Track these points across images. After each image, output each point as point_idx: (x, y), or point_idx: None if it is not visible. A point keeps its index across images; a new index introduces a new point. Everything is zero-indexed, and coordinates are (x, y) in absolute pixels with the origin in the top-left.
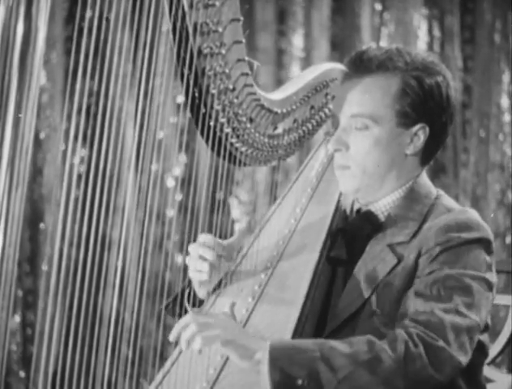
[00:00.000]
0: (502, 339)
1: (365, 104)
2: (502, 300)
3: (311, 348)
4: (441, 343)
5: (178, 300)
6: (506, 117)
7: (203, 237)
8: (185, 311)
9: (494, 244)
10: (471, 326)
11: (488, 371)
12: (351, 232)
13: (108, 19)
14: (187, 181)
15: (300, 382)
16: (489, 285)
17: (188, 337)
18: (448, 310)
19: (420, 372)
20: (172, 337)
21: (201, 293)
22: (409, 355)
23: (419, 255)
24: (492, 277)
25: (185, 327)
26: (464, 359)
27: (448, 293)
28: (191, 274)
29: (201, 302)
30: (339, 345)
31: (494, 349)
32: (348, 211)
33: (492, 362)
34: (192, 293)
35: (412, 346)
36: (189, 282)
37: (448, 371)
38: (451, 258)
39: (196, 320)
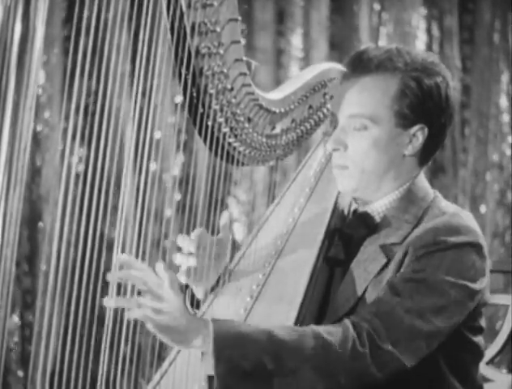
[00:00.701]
0: (501, 339)
1: (364, 104)
2: (502, 299)
3: (258, 339)
4: (388, 346)
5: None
6: (505, 117)
7: (195, 232)
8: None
9: (487, 248)
10: (431, 331)
11: (487, 371)
12: (347, 233)
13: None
14: (185, 181)
15: (245, 372)
16: (470, 293)
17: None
18: (411, 311)
19: (361, 370)
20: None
21: (199, 294)
22: (354, 353)
23: (405, 254)
24: (481, 283)
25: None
26: (410, 362)
27: (419, 295)
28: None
29: (198, 302)
30: (287, 336)
31: (493, 349)
32: (346, 211)
33: (491, 362)
34: (190, 293)
35: (359, 345)
36: (187, 287)
37: (390, 372)
38: (435, 261)
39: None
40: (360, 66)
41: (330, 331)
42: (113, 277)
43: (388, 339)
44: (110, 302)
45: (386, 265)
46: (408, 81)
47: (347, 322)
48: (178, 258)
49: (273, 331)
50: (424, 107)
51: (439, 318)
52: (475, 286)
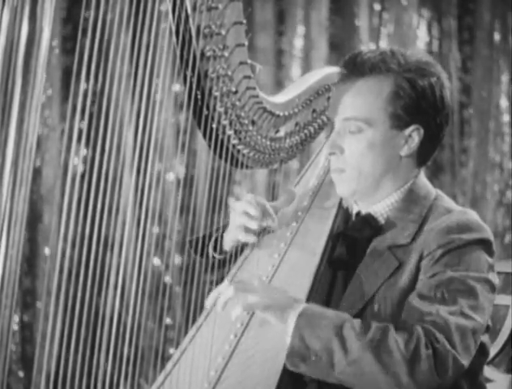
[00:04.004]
0: (501, 340)
1: (358, 107)
2: (502, 300)
3: (334, 324)
4: (447, 345)
5: (204, 241)
6: (505, 118)
7: (249, 196)
8: (208, 255)
9: (494, 244)
10: (476, 328)
11: (487, 371)
12: (351, 236)
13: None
14: (189, 182)
15: (313, 357)
16: (492, 286)
17: (225, 302)
18: (453, 312)
19: (425, 373)
20: (208, 303)
21: (227, 245)
22: (419, 354)
23: (421, 258)
24: (494, 278)
25: (223, 293)
26: (467, 362)
27: (452, 296)
28: (234, 229)
29: (223, 252)
30: (358, 327)
31: (493, 349)
32: (349, 213)
33: (492, 362)
34: (218, 240)
35: (424, 346)
36: (218, 229)
37: (451, 375)
38: (454, 260)
39: (234, 287)
40: (355, 69)
41: (398, 329)
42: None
43: (445, 340)
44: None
45: (397, 268)
46: (402, 82)
47: (410, 324)
48: (242, 218)
49: (348, 318)
50: (418, 108)
51: (477, 314)
52: (494, 280)
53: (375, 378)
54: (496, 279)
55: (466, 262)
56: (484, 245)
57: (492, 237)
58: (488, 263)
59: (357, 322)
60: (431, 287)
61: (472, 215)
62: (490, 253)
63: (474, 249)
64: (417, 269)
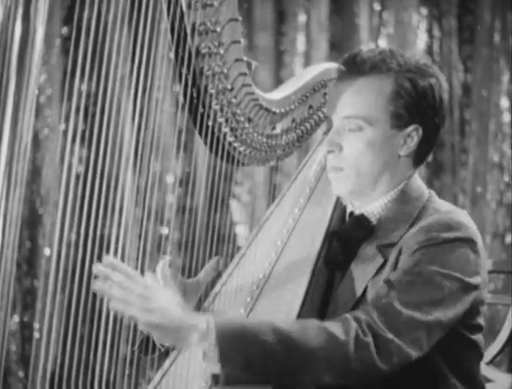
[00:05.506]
0: (502, 339)
1: (359, 105)
2: (502, 300)
3: (263, 332)
4: (389, 335)
5: (147, 340)
6: (505, 117)
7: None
8: (154, 350)
9: (484, 245)
10: (430, 322)
11: (487, 371)
12: (344, 236)
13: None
14: (185, 181)
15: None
16: (465, 287)
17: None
18: (409, 304)
19: (366, 361)
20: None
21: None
22: (358, 342)
23: (399, 253)
24: (476, 278)
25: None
26: (415, 353)
27: (415, 288)
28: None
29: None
30: (289, 328)
31: (493, 349)
32: (345, 212)
33: (492, 362)
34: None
35: (361, 334)
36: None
37: (395, 363)
38: (428, 255)
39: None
40: (354, 67)
41: (330, 324)
42: (97, 285)
43: (389, 330)
44: (98, 286)
45: (382, 265)
46: (403, 82)
47: (346, 315)
48: None
49: (274, 323)
50: (418, 107)
51: (437, 310)
52: (471, 280)
53: (322, 372)
54: (477, 280)
55: (439, 260)
56: (467, 243)
57: (475, 237)
58: (469, 262)
59: (285, 325)
60: (399, 274)
61: (457, 216)
62: (473, 251)
63: (453, 247)
64: (395, 264)
